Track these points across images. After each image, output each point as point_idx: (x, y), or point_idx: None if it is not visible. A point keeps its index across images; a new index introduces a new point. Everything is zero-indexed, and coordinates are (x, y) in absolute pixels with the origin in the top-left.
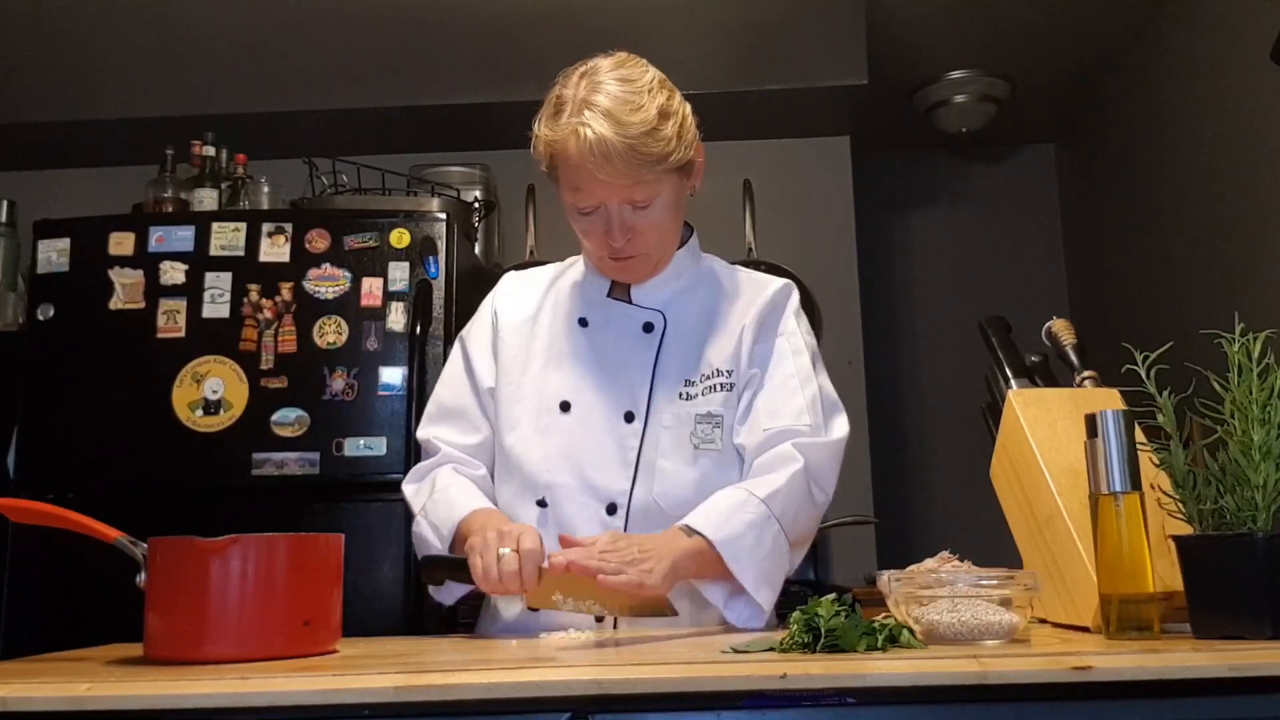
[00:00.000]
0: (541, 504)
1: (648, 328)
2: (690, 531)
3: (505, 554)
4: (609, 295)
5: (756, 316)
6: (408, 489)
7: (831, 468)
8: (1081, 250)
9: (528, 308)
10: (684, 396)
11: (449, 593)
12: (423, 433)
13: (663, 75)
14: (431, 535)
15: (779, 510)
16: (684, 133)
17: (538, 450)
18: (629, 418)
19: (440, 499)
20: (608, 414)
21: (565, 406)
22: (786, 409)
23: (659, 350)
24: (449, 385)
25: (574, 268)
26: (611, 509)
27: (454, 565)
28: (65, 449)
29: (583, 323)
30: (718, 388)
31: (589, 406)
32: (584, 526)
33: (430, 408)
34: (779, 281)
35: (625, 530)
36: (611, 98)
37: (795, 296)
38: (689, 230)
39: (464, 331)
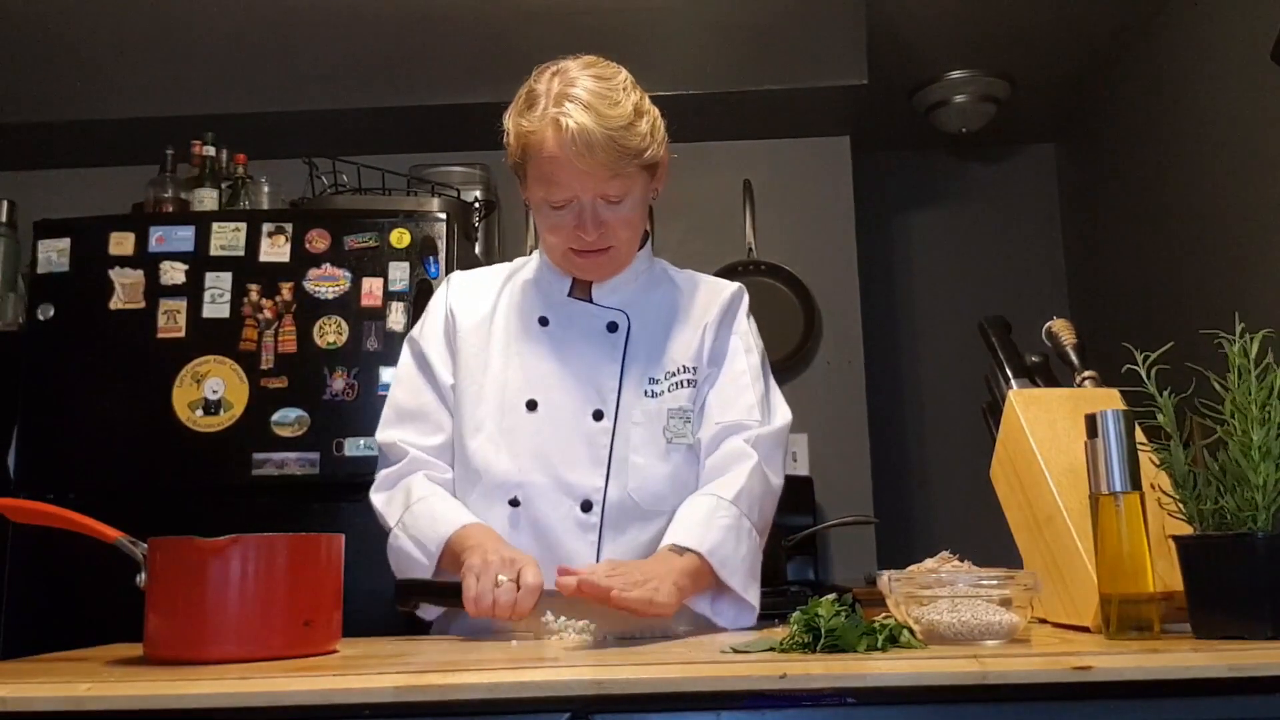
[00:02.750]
0: (514, 503)
1: (612, 327)
2: (680, 550)
3: (503, 581)
4: (569, 295)
5: (718, 315)
6: (377, 498)
7: (781, 455)
8: (1081, 250)
9: (483, 307)
10: (649, 394)
11: (428, 609)
12: (383, 436)
13: (632, 77)
14: (416, 551)
15: (746, 508)
16: (656, 132)
17: (506, 450)
18: (598, 416)
19: (421, 511)
20: (575, 412)
21: (532, 405)
22: (739, 403)
23: (625, 349)
24: (405, 386)
25: (527, 267)
26: (586, 506)
27: (436, 591)
28: (65, 449)
29: (543, 321)
30: (683, 384)
31: (556, 405)
32: (559, 524)
33: (388, 411)
34: (733, 284)
35: (601, 528)
36: (589, 92)
37: (747, 299)
38: (645, 234)
39: (414, 332)
